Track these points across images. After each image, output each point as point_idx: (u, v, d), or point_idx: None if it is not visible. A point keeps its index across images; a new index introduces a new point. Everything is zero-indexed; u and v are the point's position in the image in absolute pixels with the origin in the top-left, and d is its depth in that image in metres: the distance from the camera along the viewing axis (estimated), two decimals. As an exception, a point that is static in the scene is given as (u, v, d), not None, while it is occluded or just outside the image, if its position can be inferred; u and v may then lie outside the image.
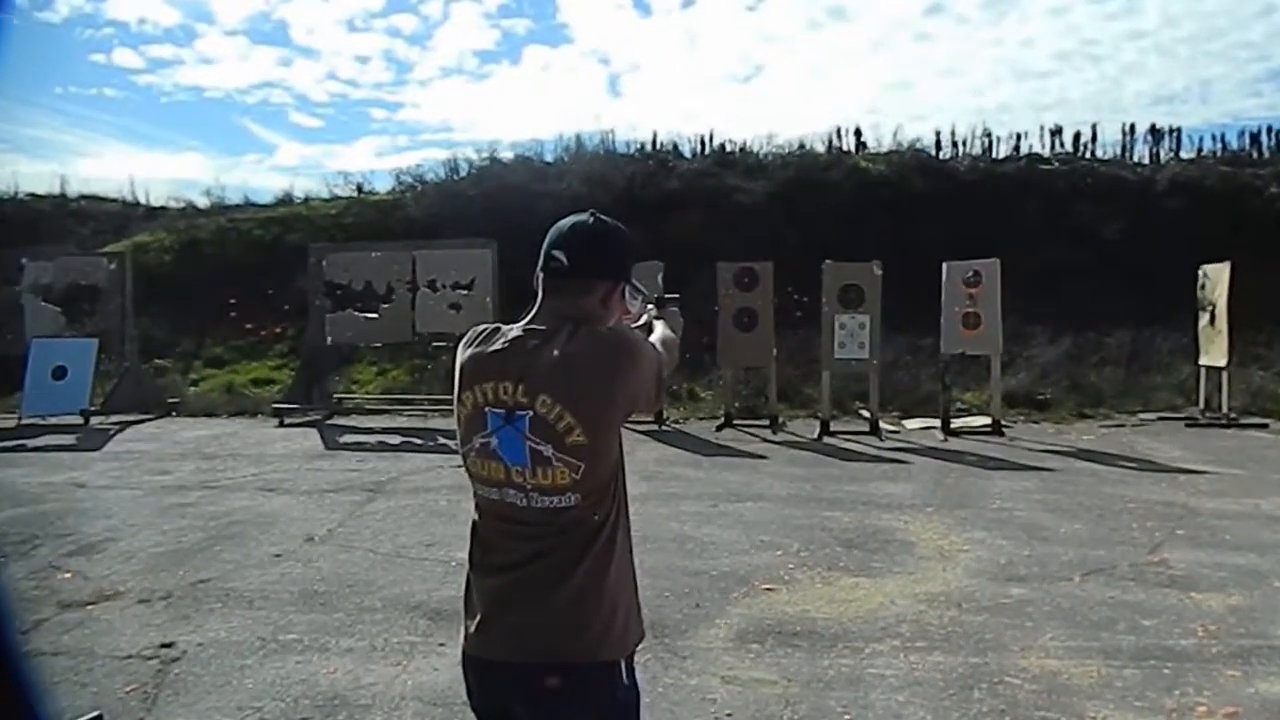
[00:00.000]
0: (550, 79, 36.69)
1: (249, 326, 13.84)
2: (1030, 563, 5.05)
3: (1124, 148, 16.39)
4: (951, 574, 4.88)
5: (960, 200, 14.11)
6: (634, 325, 1.95)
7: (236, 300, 13.78)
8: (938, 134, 16.67)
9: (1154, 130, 16.40)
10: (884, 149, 16.43)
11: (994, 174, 15.26)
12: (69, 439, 9.67)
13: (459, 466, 1.72)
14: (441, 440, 9.26)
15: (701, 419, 10.72)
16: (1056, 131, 16.54)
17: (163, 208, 18.29)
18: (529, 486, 1.60)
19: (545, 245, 1.70)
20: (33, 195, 18.22)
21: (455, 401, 1.69)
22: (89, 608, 4.46)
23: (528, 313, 1.71)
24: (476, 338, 1.69)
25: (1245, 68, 30.48)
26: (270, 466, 8.15)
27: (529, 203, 13.14)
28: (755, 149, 16.62)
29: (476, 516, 1.72)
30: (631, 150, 17.27)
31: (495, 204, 14.32)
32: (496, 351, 1.63)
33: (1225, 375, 10.07)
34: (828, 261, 9.95)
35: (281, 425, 10.57)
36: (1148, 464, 7.91)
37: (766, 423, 10.12)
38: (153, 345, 13.13)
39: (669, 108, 35.34)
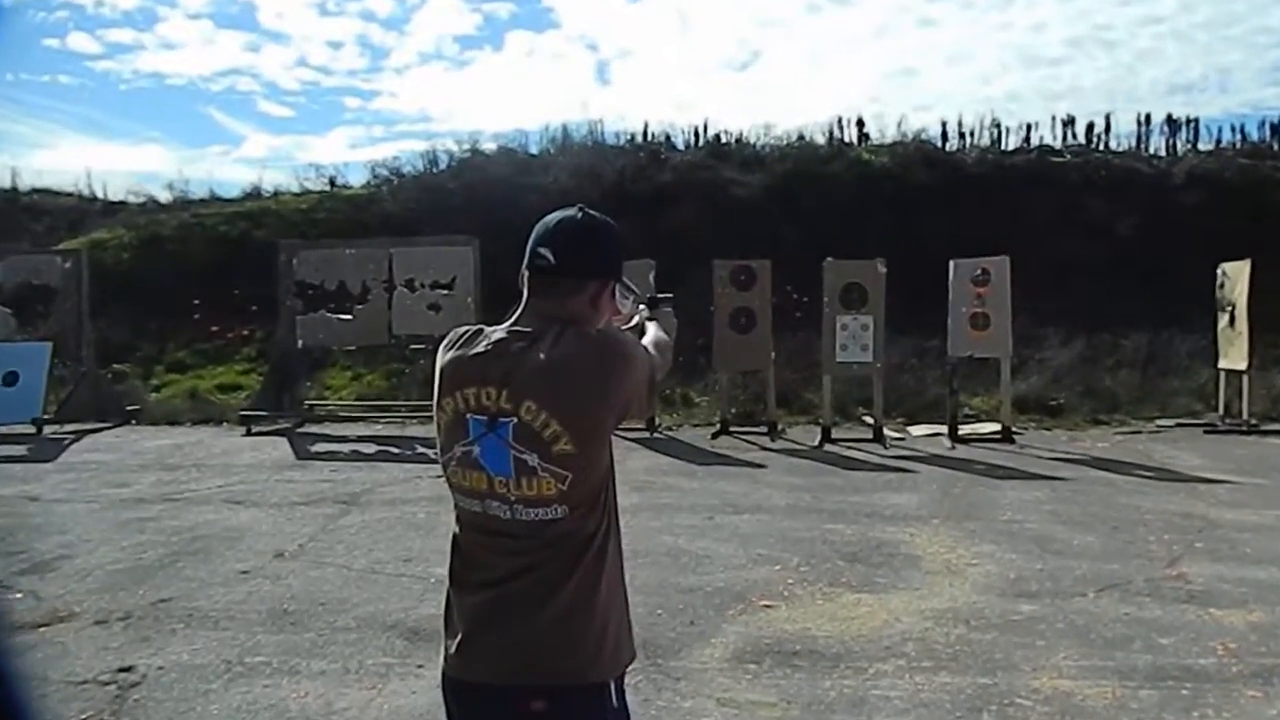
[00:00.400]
0: (535, 66, 36.72)
1: (214, 329, 13.78)
2: (1042, 577, 5.07)
3: (1139, 139, 16.53)
4: (959, 589, 4.89)
5: (967, 194, 14.18)
6: (625, 327, 1.96)
7: (201, 301, 13.71)
8: (944, 124, 16.81)
9: (1170, 120, 16.54)
10: (887, 140, 16.50)
11: (1003, 166, 15.34)
12: (20, 449, 9.60)
13: (438, 477, 1.72)
14: (420, 449, 9.23)
15: (696, 426, 10.73)
16: (1068, 122, 16.66)
17: (122, 202, 18.22)
18: (513, 498, 1.60)
19: (530, 242, 1.70)
20: (-18, 189, 18.13)
21: (435, 408, 1.69)
22: (42, 630, 4.42)
23: (512, 314, 1.70)
24: (457, 340, 1.68)
25: (1265, 54, 30.72)
26: (237, 478, 8.11)
27: (513, 197, 13.11)
28: (752, 140, 16.69)
29: (457, 529, 1.71)
30: (621, 141, 17.31)
31: (477, 199, 14.30)
32: (479, 355, 1.63)
33: (1246, 379, 10.13)
34: (828, 259, 9.98)
35: (249, 434, 10.52)
36: (1165, 473, 7.95)
37: (764, 430, 10.13)
38: (111, 349, 13.05)
39: (661, 96, 35.43)
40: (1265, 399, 10.62)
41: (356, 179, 17.69)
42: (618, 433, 1.72)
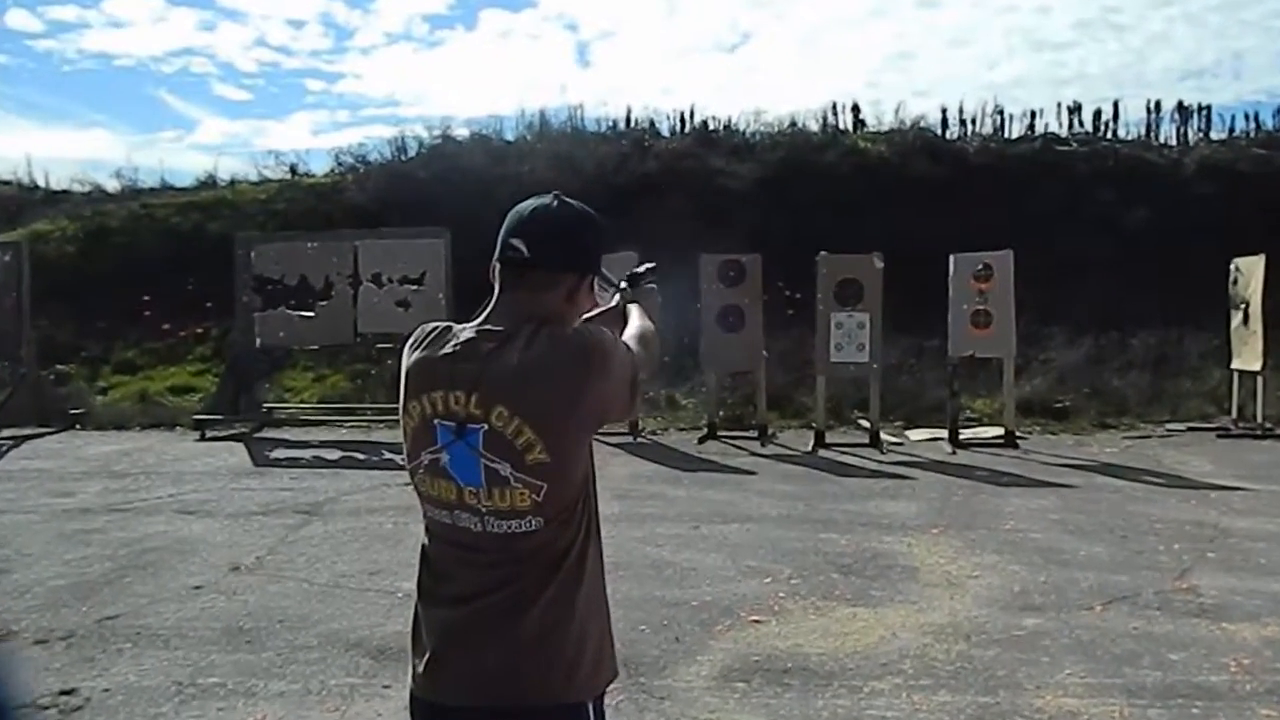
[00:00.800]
0: (510, 47, 36.68)
1: (166, 327, 13.69)
2: (1047, 590, 5.10)
3: (1149, 127, 16.63)
4: (960, 603, 4.92)
5: (969, 185, 14.25)
6: (603, 308, 1.94)
7: (151, 297, 13.62)
8: (944, 111, 16.83)
9: (1181, 108, 16.65)
10: (885, 128, 16.56)
11: (1006, 156, 15.43)
12: (-43, 455, 9.51)
13: (406, 485, 1.71)
14: (387, 455, 9.20)
15: (682, 430, 10.74)
16: (1075, 109, 16.76)
17: (65, 191, 18.05)
18: (484, 509, 1.60)
19: (502, 232, 1.69)
20: (-87, 176, 17.96)
21: (400, 412, 1.68)
22: (-21, 649, 4.38)
23: (482, 310, 1.70)
24: (424, 339, 1.68)
25: (1281, 39, 31.03)
26: (190, 486, 8.07)
27: (487, 187, 13.07)
28: (742, 127, 16.70)
29: (426, 541, 1.71)
30: (603, 128, 17.28)
31: (448, 188, 14.24)
32: (446, 355, 1.62)
33: (1260, 381, 10.22)
34: (823, 253, 10.01)
35: (203, 439, 10.48)
36: (1176, 479, 8.03)
37: (754, 434, 10.16)
38: (53, 349, 12.95)
39: (645, 80, 35.46)
40: (1280, 401, 10.72)
41: (319, 167, 17.63)
42: (598, 437, 1.72)
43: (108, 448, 10.02)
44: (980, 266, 9.85)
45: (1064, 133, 16.45)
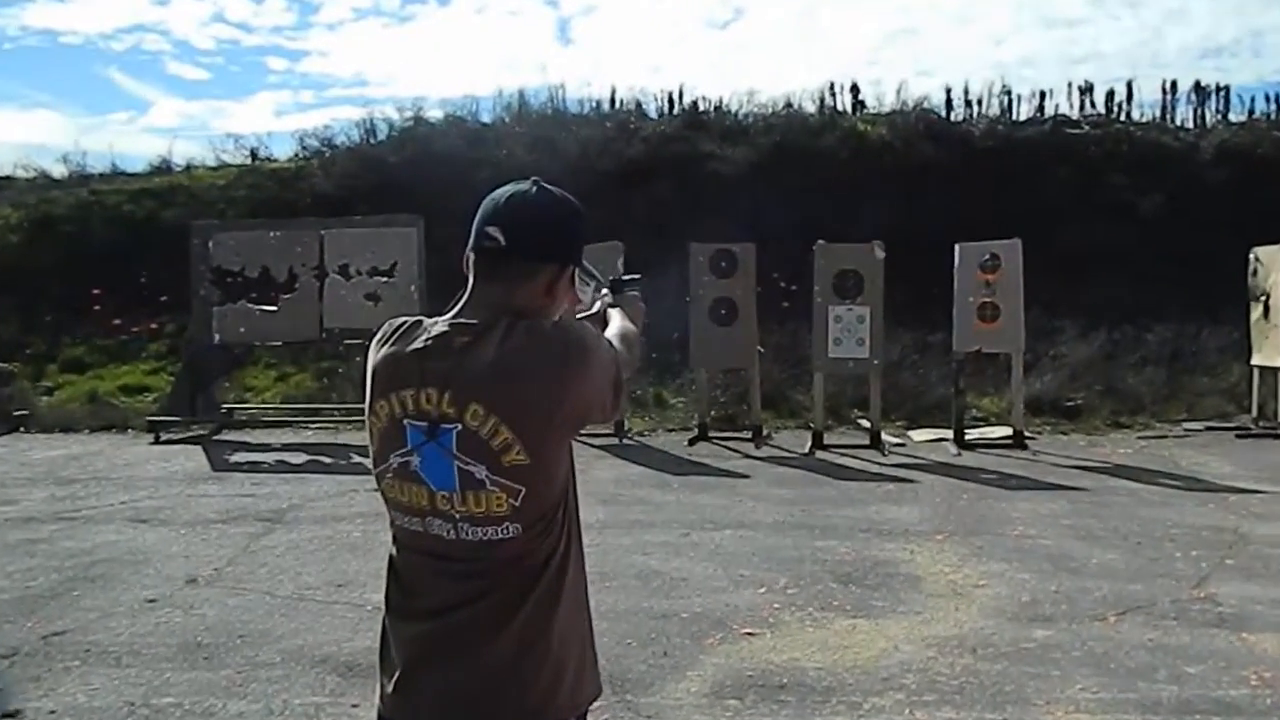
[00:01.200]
0: (487, 23, 36.59)
1: (117, 323, 13.61)
2: (1057, 600, 5.13)
3: (1165, 109, 16.72)
4: (965, 614, 4.94)
5: (975, 170, 14.30)
6: (584, 315, 1.94)
7: (101, 291, 13.53)
8: (948, 91, 16.89)
9: (1199, 88, 16.74)
10: (885, 109, 16.60)
11: (1014, 139, 15.49)
12: (-108, 460, 9.44)
13: (376, 490, 1.71)
14: (355, 459, 9.19)
15: (671, 431, 10.75)
16: (1087, 89, 16.83)
17: (8, 178, 17.97)
18: (458, 515, 1.59)
19: (477, 220, 1.68)
20: None
21: (367, 412, 1.67)
22: (-84, 668, 4.35)
23: (456, 303, 1.69)
24: (393, 334, 1.67)
25: (1304, 16, 31.24)
26: (144, 492, 8.04)
27: (462, 172, 13.02)
28: (734, 109, 16.73)
29: (395, 551, 1.70)
30: (585, 110, 17.27)
31: (421, 174, 14.20)
32: (417, 351, 1.61)
33: (1282, 377, 10.30)
34: (820, 242, 10.03)
35: (157, 442, 10.44)
36: (1193, 482, 8.08)
37: (748, 435, 10.17)
38: (-3, 345, 12.88)
39: (630, 59, 35.43)
40: (1303, 399, 10.80)
41: (282, 151, 17.59)
42: (580, 439, 1.71)
43: (54, 452, 9.97)
44: (987, 257, 9.88)
45: (1075, 114, 16.52)
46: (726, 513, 7.14)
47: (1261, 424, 10.47)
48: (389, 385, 1.63)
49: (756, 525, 6.77)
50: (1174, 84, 16.80)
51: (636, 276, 2.17)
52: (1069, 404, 11.18)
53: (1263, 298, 10.59)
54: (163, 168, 17.48)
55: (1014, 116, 16.58)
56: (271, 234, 11.39)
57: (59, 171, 17.79)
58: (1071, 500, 7.43)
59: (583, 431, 1.71)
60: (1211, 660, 4.27)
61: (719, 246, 10.29)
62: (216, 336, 11.24)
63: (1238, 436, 10.18)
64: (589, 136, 15.69)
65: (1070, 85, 17.16)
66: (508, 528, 1.58)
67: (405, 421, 1.61)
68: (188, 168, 17.29)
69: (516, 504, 1.57)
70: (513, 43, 35.34)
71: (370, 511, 6.96)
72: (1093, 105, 16.71)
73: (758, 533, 6.56)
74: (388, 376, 1.63)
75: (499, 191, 1.70)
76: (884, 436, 9.86)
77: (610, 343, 1.77)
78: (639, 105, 17.27)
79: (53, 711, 3.91)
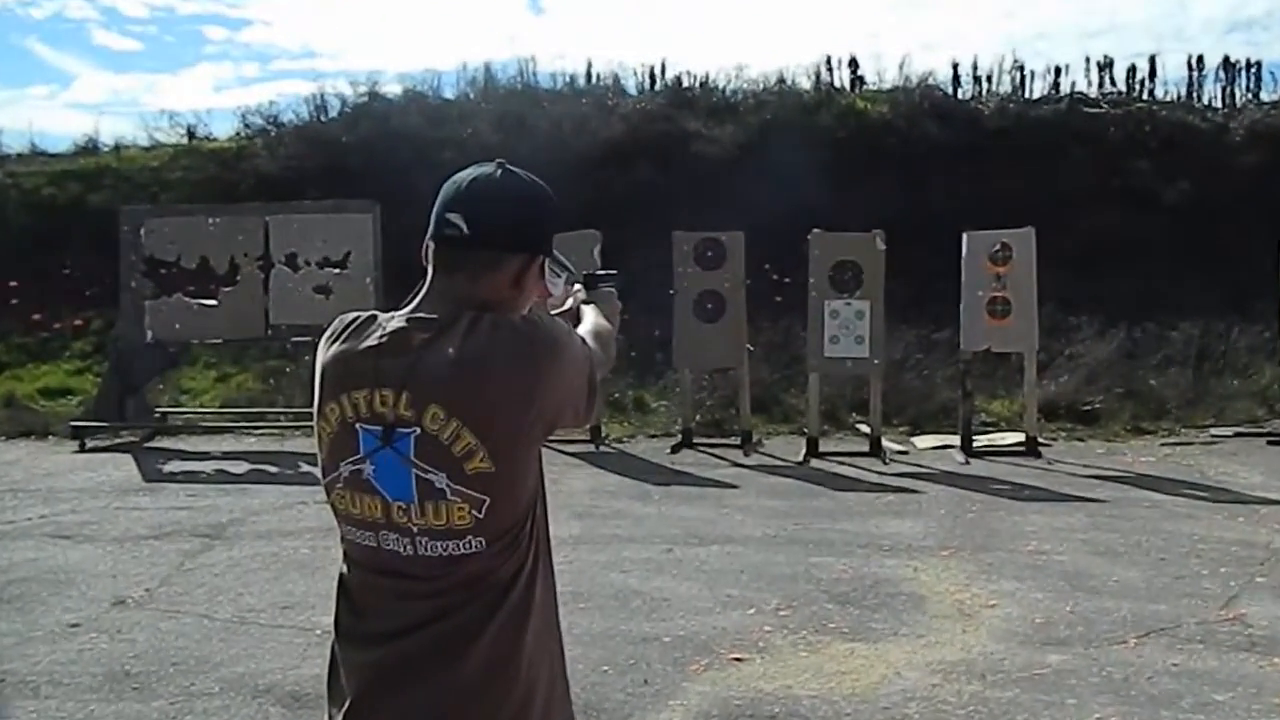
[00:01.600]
0: (450, -12, 36.47)
1: (37, 318, 13.53)
2: (1074, 621, 5.17)
3: (1190, 86, 16.82)
4: (974, 637, 4.97)
5: (985, 152, 14.37)
6: (556, 312, 1.95)
7: (19, 283, 13.46)
8: (955, 67, 16.94)
9: (1228, 64, 16.83)
10: (887, 85, 16.65)
11: (1027, 119, 15.56)
12: None
13: (326, 502, 1.70)
14: (304, 468, 9.14)
15: (652, 437, 10.76)
16: (1106, 65, 16.92)
17: (-87, 158, 17.74)
18: (416, 529, 1.59)
19: (438, 206, 1.69)
20: None
21: (316, 416, 1.67)
22: None
23: (414, 296, 1.69)
24: (344, 330, 1.67)
25: (1342, -15, 31.50)
26: (66, 505, 7.99)
27: (422, 153, 13.00)
28: (721, 84, 16.73)
29: (345, 569, 1.70)
30: (559, 85, 17.23)
31: (377, 155, 14.16)
32: (371, 348, 1.62)
33: (1317, 378, 10.39)
34: (816, 231, 10.05)
35: (83, 450, 10.37)
36: (1221, 492, 8.15)
37: (736, 442, 10.19)
38: (-97, 342, 12.76)
39: (608, 30, 35.41)
40: (1339, 402, 10.91)
41: (222, 129, 17.48)
42: (552, 445, 1.72)
43: (-32, 461, 9.88)
44: (997, 247, 9.92)
45: (1093, 92, 16.60)
46: (713, 526, 7.15)
47: (1295, 430, 10.56)
48: (340, 386, 1.63)
49: (745, 540, 6.78)
50: (1200, 59, 16.90)
51: (613, 272, 2.20)
52: (1086, 408, 11.24)
53: (1296, 292, 10.67)
54: (89, 147, 17.31)
55: (1027, 94, 16.63)
56: (210, 220, 11.33)
57: (-31, 152, 17.61)
58: (1089, 513, 7.48)
59: (554, 437, 1.71)
60: (1241, 687, 4.31)
61: (705, 235, 10.29)
62: (149, 333, 11.16)
63: (1269, 443, 10.25)
64: (562, 114, 15.66)
65: (1088, 60, 17.33)
66: (470, 542, 1.58)
67: (358, 426, 1.61)
68: (116, 148, 17.13)
69: (480, 516, 1.58)
70: (478, 11, 35.29)
71: (319, 526, 6.94)
72: (1112, 82, 16.80)
73: (747, 548, 6.57)
74: (339, 376, 1.63)
75: (462, 174, 1.70)
76: (885, 443, 9.89)
77: (584, 340, 1.78)
78: (617, 80, 17.25)
79: (-35, 748, 3.88)
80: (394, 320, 1.64)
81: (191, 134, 17.36)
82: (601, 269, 2.19)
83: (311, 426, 1.73)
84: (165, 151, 16.68)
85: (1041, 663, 4.61)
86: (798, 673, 4.53)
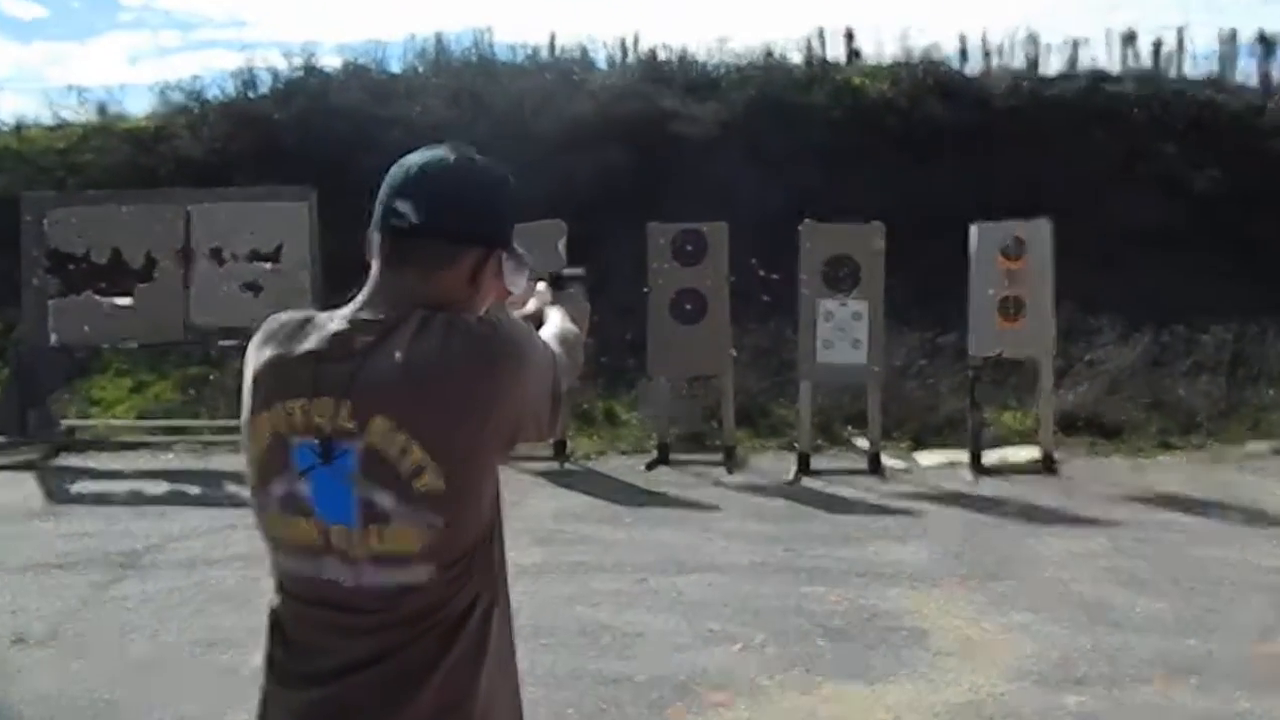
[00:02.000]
0: (397, -52, 36.36)
1: (-74, 318, 13.36)
2: (1094, 658, 5.20)
3: (1222, 62, 16.99)
4: (983, 675, 4.99)
5: (995, 134, 14.46)
6: (517, 313, 1.95)
7: (-93, 278, 13.28)
8: (962, 40, 17.08)
9: (1263, 39, 17.01)
10: (886, 60, 16.74)
11: (1041, 98, 15.68)
12: None
13: (256, 526, 1.70)
14: (230, 488, 9.08)
15: (624, 453, 10.74)
16: (1129, 39, 17.08)
17: None
18: (358, 556, 1.59)
19: (384, 193, 1.69)
20: None
21: (246, 429, 1.67)
22: None
23: (357, 294, 1.69)
24: (277, 332, 1.67)
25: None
26: (-39, 532, 7.89)
27: (365, 134, 12.94)
28: (701, 58, 16.77)
29: (277, 601, 1.70)
30: (519, 57, 17.25)
31: (313, 136, 14.09)
32: (309, 353, 1.62)
33: (1362, 387, 10.49)
34: (807, 221, 10.08)
35: (-21, 468, 10.23)
36: (1257, 515, 8.21)
37: (719, 458, 10.19)
38: None
39: (575, -6, 35.37)
40: (1386, 414, 11.02)
41: (139, 107, 17.42)
42: (513, 462, 1.72)
43: None
44: (1009, 241, 9.97)
45: (1115, 69, 16.75)
46: (692, 553, 7.15)
47: (1338, 444, 10.66)
48: (273, 395, 1.62)
49: (729, 568, 6.79)
50: (1233, 33, 17.07)
51: (579, 272, 2.22)
52: (1107, 420, 11.31)
53: (1339, 292, 10.79)
54: (-15, 127, 17.18)
55: (1041, 70, 16.77)
56: (124, 209, 11.23)
57: None
58: (1111, 537, 7.53)
59: (514, 453, 1.71)
60: (1277, 729, 4.35)
61: (683, 226, 10.30)
62: (54, 336, 11.07)
63: (1310, 459, 10.36)
64: (522, 91, 15.65)
65: (1108, 33, 17.37)
66: (419, 570, 1.59)
67: (292, 440, 1.61)
68: (17, 127, 16.99)
69: (431, 541, 1.58)
70: (429, -26, 35.18)
71: (250, 553, 6.87)
72: (1135, 58, 16.96)
73: (730, 578, 6.57)
74: (271, 384, 1.63)
75: (411, 158, 1.71)
76: (885, 460, 9.93)
77: (548, 344, 1.78)
78: (585, 53, 17.29)
79: None
80: (334, 321, 1.64)
81: (103, 111, 17.22)
82: (568, 266, 2.21)
83: (239, 441, 1.73)
84: (73, 131, 16.53)
85: (1059, 705, 4.64)
86: (787, 716, 4.53)
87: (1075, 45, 16.97)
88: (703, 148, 14.41)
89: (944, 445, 10.70)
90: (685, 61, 16.76)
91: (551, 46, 17.41)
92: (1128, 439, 11.06)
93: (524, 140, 13.12)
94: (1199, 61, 17.05)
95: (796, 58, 16.80)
